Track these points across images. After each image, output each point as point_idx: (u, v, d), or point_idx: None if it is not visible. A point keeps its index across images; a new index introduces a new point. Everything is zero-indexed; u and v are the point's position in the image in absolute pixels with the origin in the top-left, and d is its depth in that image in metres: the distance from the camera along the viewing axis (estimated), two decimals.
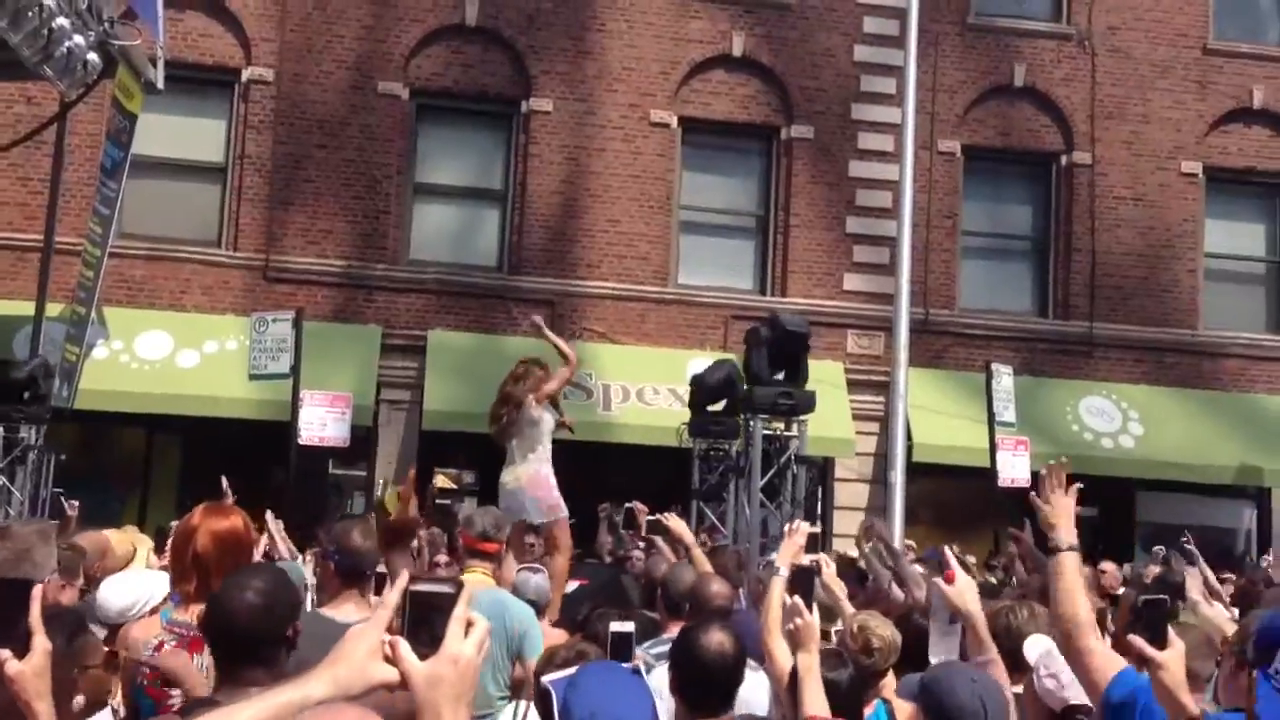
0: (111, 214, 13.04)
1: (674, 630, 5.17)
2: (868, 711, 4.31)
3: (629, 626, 3.19)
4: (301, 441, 12.27)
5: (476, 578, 5.24)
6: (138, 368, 14.47)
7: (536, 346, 15.65)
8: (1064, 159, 17.43)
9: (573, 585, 8.64)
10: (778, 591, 4.39)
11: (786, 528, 4.59)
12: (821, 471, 16.69)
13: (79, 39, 10.78)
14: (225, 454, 13.68)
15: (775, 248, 16.76)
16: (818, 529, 4.86)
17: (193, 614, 3.67)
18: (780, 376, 6.75)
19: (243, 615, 2.83)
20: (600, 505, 11.45)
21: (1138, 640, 2.71)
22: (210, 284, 15.31)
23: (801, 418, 7.09)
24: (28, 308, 13.27)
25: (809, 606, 3.35)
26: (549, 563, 7.46)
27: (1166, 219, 17.38)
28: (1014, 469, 14.17)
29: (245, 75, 15.64)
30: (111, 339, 14.53)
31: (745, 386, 7.24)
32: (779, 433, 7.31)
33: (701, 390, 9.41)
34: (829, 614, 4.92)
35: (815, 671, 3.23)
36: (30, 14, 9.71)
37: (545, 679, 2.89)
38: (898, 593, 7.09)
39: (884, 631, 4.42)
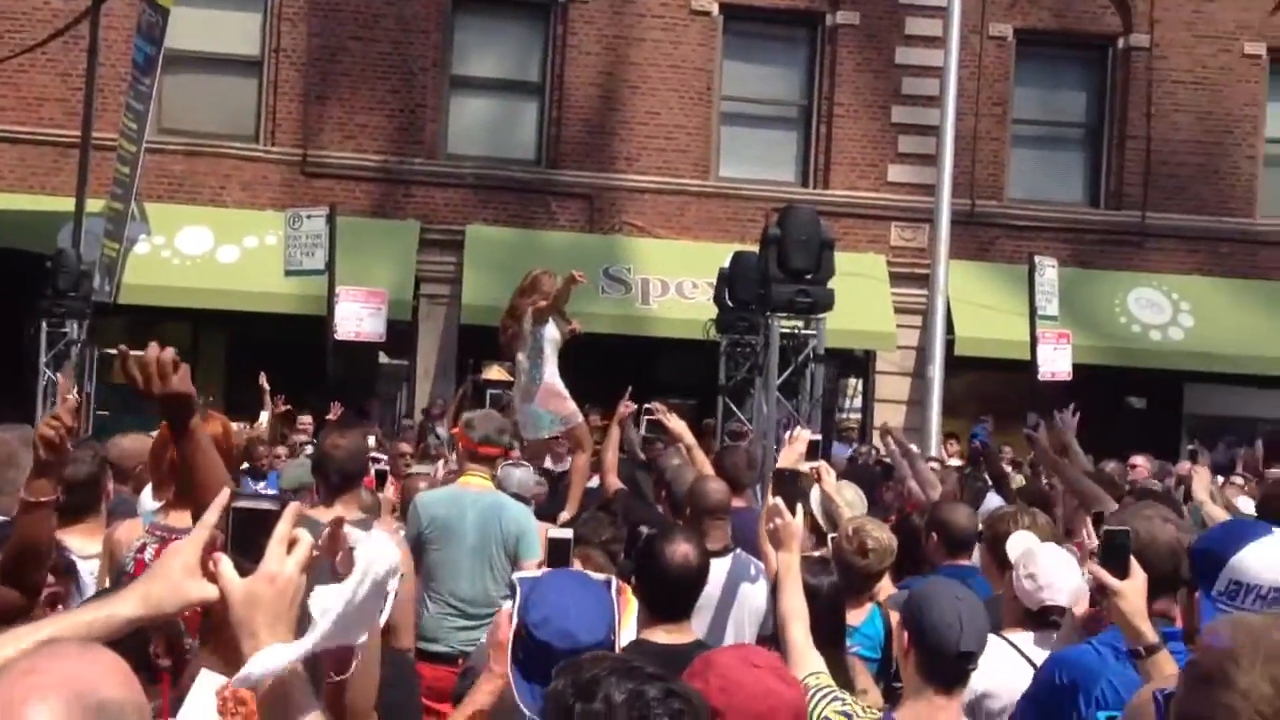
0: (145, 109, 13.08)
1: None
2: (862, 614, 4.31)
3: (567, 534, 3.19)
4: (338, 337, 12.40)
5: (476, 481, 5.27)
6: (179, 263, 14.63)
7: (574, 241, 15.71)
8: (1121, 42, 16.77)
9: (595, 482, 8.72)
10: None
11: (788, 435, 4.56)
12: (863, 366, 16.62)
13: None
14: (269, 347, 13.91)
15: (819, 138, 16.41)
16: (819, 436, 4.82)
17: (173, 518, 3.73)
18: (800, 271, 6.63)
19: None
20: (645, 406, 11.52)
21: (1099, 571, 2.66)
22: (249, 179, 15.34)
23: (820, 315, 7.01)
24: (70, 203, 13.40)
25: (792, 509, 3.34)
26: (572, 461, 7.51)
27: (1226, 103, 16.74)
28: (1055, 362, 14.01)
29: None
30: (154, 234, 14.66)
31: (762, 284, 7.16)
32: (798, 330, 7.24)
33: (728, 284, 9.31)
34: (830, 521, 4.91)
35: (795, 571, 3.22)
36: None
37: (516, 575, 2.91)
38: (917, 491, 7.06)
39: (879, 534, 4.42)
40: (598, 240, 15.70)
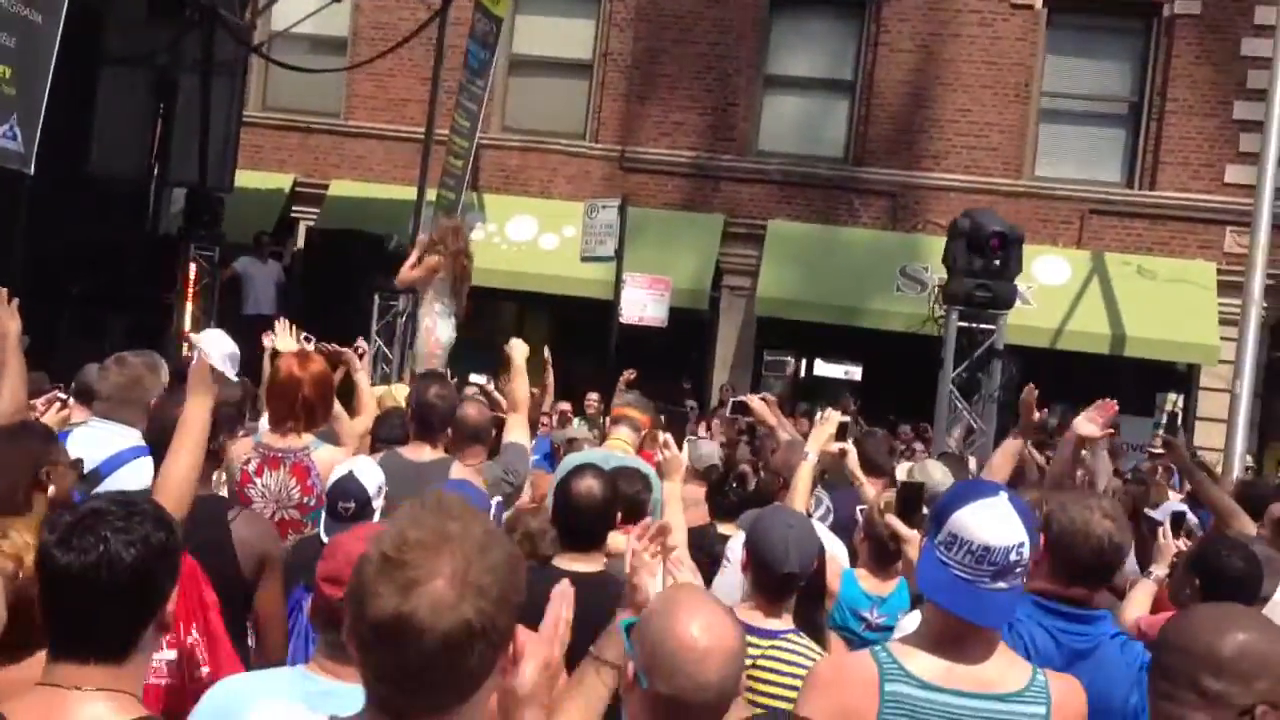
0: (478, 109, 14.55)
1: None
2: (890, 586, 4.48)
3: None
4: (622, 320, 13.27)
5: (616, 444, 5.84)
6: (507, 248, 16.13)
7: (874, 238, 15.71)
8: None
9: None
10: (803, 475, 4.61)
11: (819, 415, 4.75)
12: (1185, 380, 15.53)
13: None
14: (576, 327, 15.13)
15: (1148, 136, 15.47)
16: (848, 418, 4.94)
17: (273, 440, 4.55)
18: (984, 267, 6.56)
19: None
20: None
21: (894, 521, 2.84)
22: (574, 173, 16.63)
23: (1001, 311, 6.87)
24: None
25: (680, 445, 3.71)
26: None
27: None
28: None
29: None
30: (488, 222, 16.26)
31: (944, 277, 7.10)
32: (975, 326, 7.14)
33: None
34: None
35: (677, 496, 3.49)
36: None
37: None
38: None
39: None
40: (898, 238, 15.67)
